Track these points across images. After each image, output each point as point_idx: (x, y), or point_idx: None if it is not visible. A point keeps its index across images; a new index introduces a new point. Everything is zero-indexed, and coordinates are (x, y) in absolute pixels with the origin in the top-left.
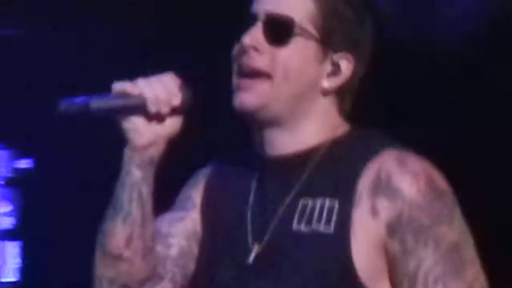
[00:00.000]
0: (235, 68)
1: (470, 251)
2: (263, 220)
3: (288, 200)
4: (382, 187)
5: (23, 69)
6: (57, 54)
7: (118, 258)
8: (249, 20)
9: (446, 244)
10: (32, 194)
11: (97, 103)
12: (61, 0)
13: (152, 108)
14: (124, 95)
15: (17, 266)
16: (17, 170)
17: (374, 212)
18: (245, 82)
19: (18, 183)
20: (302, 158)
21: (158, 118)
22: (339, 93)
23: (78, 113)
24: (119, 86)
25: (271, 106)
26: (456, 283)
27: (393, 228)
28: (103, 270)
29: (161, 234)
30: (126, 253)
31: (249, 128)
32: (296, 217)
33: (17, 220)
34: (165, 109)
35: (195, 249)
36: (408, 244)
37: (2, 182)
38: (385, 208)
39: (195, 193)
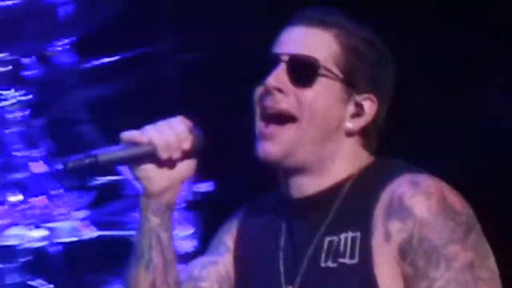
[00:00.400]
0: (258, 112)
1: (487, 271)
2: (294, 262)
3: (315, 240)
4: (394, 209)
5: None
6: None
7: None
8: (270, 62)
9: (459, 264)
10: (213, 217)
11: (105, 156)
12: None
13: (163, 155)
14: (133, 144)
15: None
16: (197, 193)
17: (387, 236)
18: (270, 129)
19: (199, 206)
20: (327, 197)
21: (170, 163)
22: (363, 133)
23: (86, 168)
24: (127, 135)
25: (297, 153)
26: None
27: (405, 251)
28: None
29: (193, 277)
30: None
31: (273, 173)
32: (323, 255)
33: (198, 243)
34: (176, 154)
35: None
36: (420, 265)
37: (184, 206)
38: (397, 231)
39: (228, 238)
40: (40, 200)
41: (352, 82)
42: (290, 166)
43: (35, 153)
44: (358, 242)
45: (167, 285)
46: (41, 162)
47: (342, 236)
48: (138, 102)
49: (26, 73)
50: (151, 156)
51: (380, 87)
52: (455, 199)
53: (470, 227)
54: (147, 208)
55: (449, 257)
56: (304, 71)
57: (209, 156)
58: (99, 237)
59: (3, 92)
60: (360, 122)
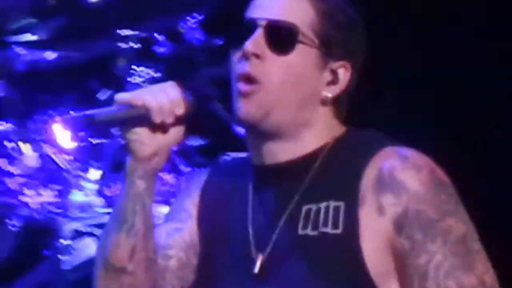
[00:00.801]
0: (235, 75)
1: (477, 243)
2: (265, 229)
3: (290, 207)
4: (386, 183)
5: None
6: None
7: (122, 271)
8: (244, 26)
9: (454, 237)
10: None
11: (101, 116)
12: None
13: (156, 119)
14: (127, 106)
15: None
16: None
17: (380, 209)
18: (247, 89)
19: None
20: (301, 165)
21: (162, 128)
22: (337, 101)
23: (82, 126)
24: (122, 97)
25: (274, 116)
26: (467, 276)
27: (400, 224)
28: (105, 283)
29: (159, 245)
30: (130, 266)
31: (243, 138)
32: (301, 223)
33: None
34: (169, 119)
35: (194, 261)
36: (416, 238)
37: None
38: (391, 204)
39: (189, 204)
40: (170, 177)
41: (328, 49)
42: (265, 130)
43: None
44: (342, 212)
45: (146, 251)
46: None
47: (322, 205)
48: None
49: (158, 49)
50: (144, 119)
51: (354, 54)
52: (441, 172)
53: (457, 199)
54: (134, 172)
55: (445, 231)
56: (283, 37)
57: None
58: None
59: (136, 69)
60: (336, 89)
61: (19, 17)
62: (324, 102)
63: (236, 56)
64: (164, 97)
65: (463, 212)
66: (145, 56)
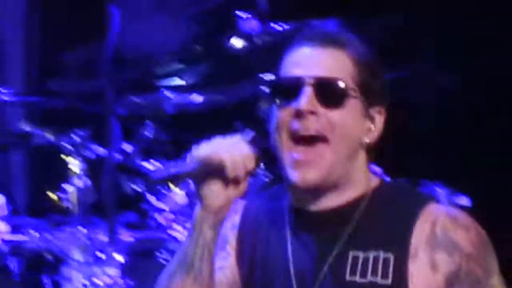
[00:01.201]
0: (286, 135)
1: None
2: (309, 273)
3: (334, 253)
4: (440, 241)
5: None
6: None
7: None
8: (290, 84)
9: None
10: None
11: (184, 172)
12: None
13: (231, 174)
14: (204, 162)
15: None
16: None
17: (433, 266)
18: (305, 152)
19: None
20: (344, 212)
21: (235, 182)
22: (373, 146)
23: (167, 180)
24: (201, 153)
25: (333, 174)
26: None
27: (452, 281)
28: None
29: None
30: None
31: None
32: (348, 268)
33: None
34: (241, 174)
35: None
36: None
37: None
38: (445, 262)
39: (227, 242)
40: None
41: (368, 98)
42: (325, 186)
43: None
44: (391, 264)
45: None
46: None
47: (371, 254)
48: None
49: None
50: (220, 174)
51: (386, 98)
52: (483, 231)
53: (494, 254)
54: (204, 222)
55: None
56: (333, 93)
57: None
58: None
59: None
60: (374, 135)
61: (168, 63)
62: (364, 148)
63: (284, 114)
64: (238, 154)
65: (498, 267)
66: None
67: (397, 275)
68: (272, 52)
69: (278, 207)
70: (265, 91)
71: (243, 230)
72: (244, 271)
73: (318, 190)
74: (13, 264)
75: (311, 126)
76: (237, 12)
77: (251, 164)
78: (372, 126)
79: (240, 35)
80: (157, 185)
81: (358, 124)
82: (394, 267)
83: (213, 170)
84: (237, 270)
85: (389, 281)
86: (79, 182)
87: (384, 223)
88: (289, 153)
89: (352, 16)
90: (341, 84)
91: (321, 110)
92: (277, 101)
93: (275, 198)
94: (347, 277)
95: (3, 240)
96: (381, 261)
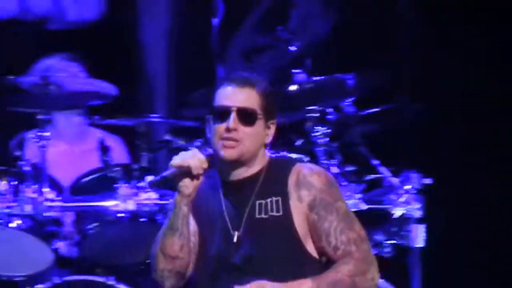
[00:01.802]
0: (218, 137)
1: (352, 214)
2: (236, 217)
3: (249, 203)
4: (302, 183)
5: None
6: None
7: (176, 258)
8: (222, 110)
9: (342, 211)
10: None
11: (169, 175)
12: None
13: (194, 172)
14: (178, 167)
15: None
16: (422, 185)
17: (300, 199)
18: (229, 144)
19: (423, 193)
20: (253, 178)
21: (197, 177)
22: (268, 142)
23: (161, 184)
24: (176, 162)
25: (244, 156)
26: (351, 232)
27: (311, 206)
28: (164, 265)
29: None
30: (181, 255)
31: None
32: (257, 211)
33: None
34: (201, 171)
35: (197, 240)
36: (321, 214)
37: (414, 192)
38: (306, 196)
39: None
40: None
41: (267, 117)
42: (236, 162)
43: (333, 162)
44: (280, 203)
45: (189, 246)
46: (335, 167)
47: (269, 200)
48: (384, 136)
49: (328, 117)
50: (188, 173)
51: (276, 115)
52: (329, 174)
53: (339, 190)
54: (181, 202)
55: (337, 209)
56: (248, 117)
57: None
58: (368, 209)
59: (317, 128)
60: (270, 137)
61: None
62: (264, 144)
63: (219, 128)
64: (197, 159)
65: (343, 197)
66: (321, 121)
67: (284, 208)
68: (313, 94)
69: (214, 181)
70: (310, 115)
71: (195, 198)
72: (198, 220)
73: (235, 164)
74: (159, 218)
75: (234, 136)
76: (293, 70)
77: (205, 165)
78: (269, 132)
79: (294, 83)
80: (156, 186)
81: (261, 133)
82: (282, 204)
83: (184, 171)
84: (194, 221)
85: (280, 213)
86: None
87: (274, 180)
88: (221, 143)
89: (358, 71)
90: (253, 111)
91: (241, 127)
92: (214, 120)
93: (212, 177)
94: (257, 215)
95: (155, 204)
96: (274, 202)
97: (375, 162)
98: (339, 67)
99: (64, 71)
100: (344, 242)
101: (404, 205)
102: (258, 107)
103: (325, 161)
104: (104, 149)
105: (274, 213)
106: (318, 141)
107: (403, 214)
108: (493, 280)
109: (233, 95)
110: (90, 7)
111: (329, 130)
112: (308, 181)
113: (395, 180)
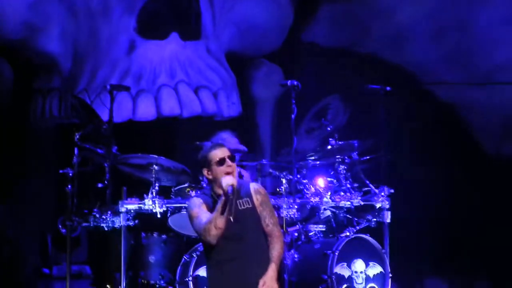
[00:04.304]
0: (224, 171)
1: (273, 207)
2: (230, 210)
3: (234, 203)
4: (256, 191)
5: None
6: None
7: (220, 228)
8: (218, 160)
9: (270, 208)
10: None
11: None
12: None
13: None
14: (233, 184)
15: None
16: (389, 193)
17: (257, 199)
18: (230, 171)
19: (389, 197)
20: (233, 193)
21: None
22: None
23: (232, 194)
24: (233, 182)
25: (235, 179)
26: (274, 218)
27: (260, 203)
28: (215, 232)
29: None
30: (222, 227)
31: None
32: (239, 206)
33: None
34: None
35: None
36: (264, 207)
37: (386, 196)
38: (259, 198)
39: (201, 203)
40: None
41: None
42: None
43: (347, 182)
44: (250, 201)
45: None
46: (349, 184)
47: (243, 200)
48: (371, 169)
49: (346, 160)
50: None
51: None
52: (265, 190)
53: (269, 196)
54: (224, 202)
55: (269, 206)
56: (233, 159)
57: None
58: (364, 204)
59: (340, 166)
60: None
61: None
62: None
63: (222, 169)
64: (233, 180)
65: (270, 200)
66: (342, 163)
67: (252, 204)
68: (339, 150)
69: (209, 195)
70: (337, 160)
71: (211, 202)
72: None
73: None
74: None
75: (231, 170)
76: (330, 139)
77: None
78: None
79: (330, 144)
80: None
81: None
82: (251, 202)
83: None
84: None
85: (250, 205)
86: None
87: (243, 192)
88: (222, 173)
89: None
90: (233, 156)
91: (232, 164)
92: (219, 164)
93: (208, 194)
94: (239, 208)
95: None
96: (246, 201)
97: (367, 182)
98: (351, 137)
99: (230, 140)
100: (271, 222)
101: (381, 202)
102: (232, 155)
103: (344, 182)
104: (240, 176)
105: (249, 206)
106: (340, 172)
107: (380, 206)
108: (431, 239)
109: (224, 152)
110: (235, 108)
111: (345, 167)
112: (259, 191)
113: (377, 190)
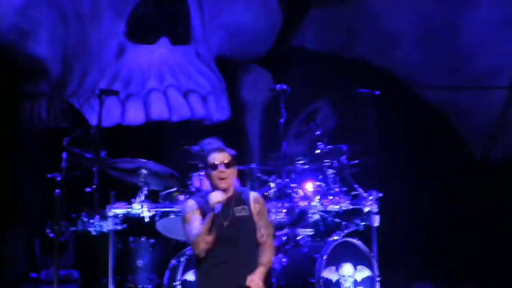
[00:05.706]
0: (217, 177)
1: (270, 220)
2: (225, 216)
3: (231, 210)
4: (255, 200)
5: None
6: None
7: (209, 242)
8: (214, 165)
9: (266, 218)
10: None
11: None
12: None
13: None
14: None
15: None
16: (378, 197)
17: (254, 209)
18: (223, 177)
19: (377, 201)
20: (231, 198)
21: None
22: (235, 176)
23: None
24: (220, 198)
25: (229, 186)
26: (269, 229)
27: (258, 212)
28: (204, 245)
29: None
30: (210, 240)
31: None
32: (236, 212)
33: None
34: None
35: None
36: (261, 217)
37: (374, 200)
38: (257, 207)
39: (195, 209)
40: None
41: (235, 164)
42: (225, 188)
43: (336, 185)
44: (247, 209)
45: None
46: (337, 188)
47: (240, 207)
48: (360, 174)
49: (334, 165)
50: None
51: (236, 163)
52: (263, 199)
53: (267, 208)
54: (211, 216)
55: (266, 216)
56: (229, 166)
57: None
58: (352, 208)
59: (329, 170)
60: (236, 174)
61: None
62: (235, 178)
63: (216, 173)
64: (220, 196)
65: (267, 211)
66: (330, 167)
67: (249, 212)
68: (328, 154)
69: (205, 199)
70: (326, 164)
71: (198, 205)
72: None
73: (223, 190)
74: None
75: (224, 175)
76: (318, 143)
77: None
78: (236, 172)
79: (319, 149)
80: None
81: (234, 173)
82: (248, 210)
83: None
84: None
85: (248, 214)
86: None
87: (240, 199)
88: (216, 177)
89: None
90: (233, 164)
91: (226, 170)
92: (212, 169)
93: (203, 197)
94: (236, 215)
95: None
96: (243, 209)
97: (356, 186)
98: (339, 141)
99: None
100: (266, 233)
101: (369, 206)
102: (231, 160)
103: (333, 185)
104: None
105: (245, 214)
106: (329, 176)
107: (369, 210)
108: (420, 243)
109: (221, 156)
110: (224, 113)
111: (334, 171)
112: (258, 200)
113: (365, 194)
